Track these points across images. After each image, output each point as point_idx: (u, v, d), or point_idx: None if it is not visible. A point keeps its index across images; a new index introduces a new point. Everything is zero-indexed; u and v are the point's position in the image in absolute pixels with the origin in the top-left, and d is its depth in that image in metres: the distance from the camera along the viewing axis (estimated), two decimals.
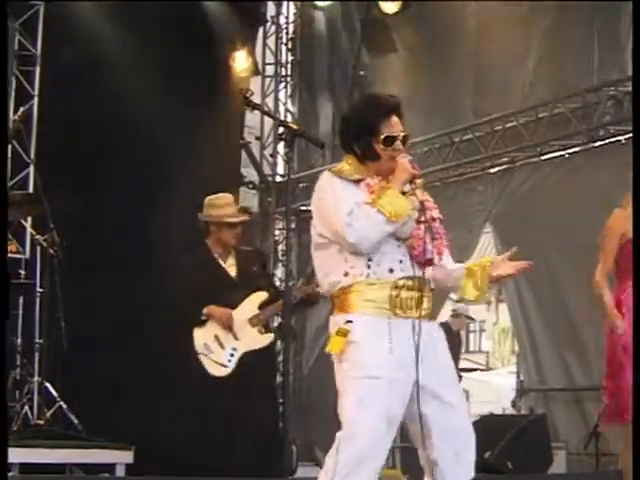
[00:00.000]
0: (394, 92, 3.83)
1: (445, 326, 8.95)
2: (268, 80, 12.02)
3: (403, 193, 3.52)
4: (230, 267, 6.24)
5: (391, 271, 3.50)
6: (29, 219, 7.66)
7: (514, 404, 9.87)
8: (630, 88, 7.87)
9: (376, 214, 3.44)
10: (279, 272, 11.27)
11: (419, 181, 3.61)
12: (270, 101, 12.00)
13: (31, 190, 8.10)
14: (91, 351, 7.80)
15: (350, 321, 3.47)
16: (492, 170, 9.70)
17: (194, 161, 9.16)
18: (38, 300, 7.47)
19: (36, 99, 8.52)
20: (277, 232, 11.79)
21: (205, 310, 6.03)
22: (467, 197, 9.85)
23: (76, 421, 6.59)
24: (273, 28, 12.10)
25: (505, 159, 9.48)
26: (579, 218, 8.32)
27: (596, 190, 8.04)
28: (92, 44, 8.84)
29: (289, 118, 11.84)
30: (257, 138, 11.87)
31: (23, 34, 8.53)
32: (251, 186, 11.71)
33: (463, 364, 11.59)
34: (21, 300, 7.53)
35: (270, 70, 12.06)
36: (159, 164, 8.94)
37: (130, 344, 8.18)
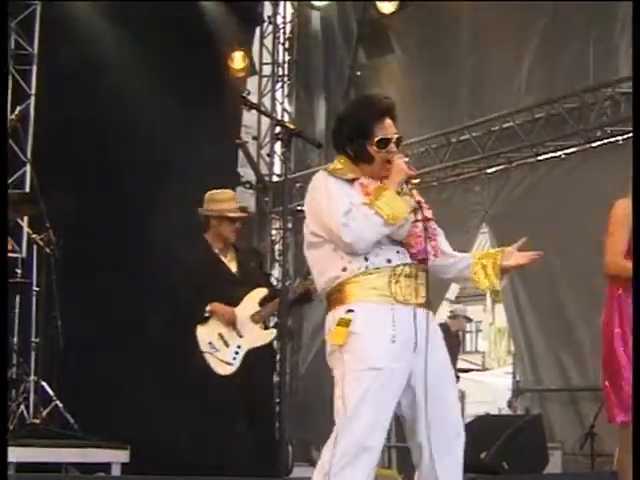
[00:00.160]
0: (390, 92, 3.85)
1: (444, 327, 8.94)
2: (265, 80, 12.02)
3: (398, 193, 3.51)
4: (230, 263, 6.23)
5: (389, 261, 3.51)
6: (25, 218, 7.68)
7: (510, 404, 9.87)
8: (627, 89, 7.89)
9: (373, 216, 3.44)
10: (276, 272, 11.25)
11: (414, 181, 3.60)
12: (267, 101, 12.00)
13: (27, 189, 8.11)
14: (87, 350, 7.81)
15: (351, 310, 3.46)
16: (489, 170, 9.68)
17: (191, 160, 9.15)
18: (34, 299, 7.48)
19: (33, 98, 8.53)
20: (274, 232, 11.77)
21: (209, 307, 6.00)
22: (464, 197, 9.85)
23: (72, 420, 6.59)
24: (270, 28, 12.10)
25: (502, 160, 9.46)
26: (576, 219, 8.33)
27: (593, 191, 8.03)
28: (89, 44, 8.85)
29: (286, 118, 11.82)
30: (254, 138, 11.86)
31: (20, 33, 8.54)
32: (248, 186, 11.70)
33: (459, 364, 11.56)
34: (17, 299, 7.51)
35: (267, 70, 12.05)
36: (155, 163, 8.92)
37: (127, 343, 8.17)
